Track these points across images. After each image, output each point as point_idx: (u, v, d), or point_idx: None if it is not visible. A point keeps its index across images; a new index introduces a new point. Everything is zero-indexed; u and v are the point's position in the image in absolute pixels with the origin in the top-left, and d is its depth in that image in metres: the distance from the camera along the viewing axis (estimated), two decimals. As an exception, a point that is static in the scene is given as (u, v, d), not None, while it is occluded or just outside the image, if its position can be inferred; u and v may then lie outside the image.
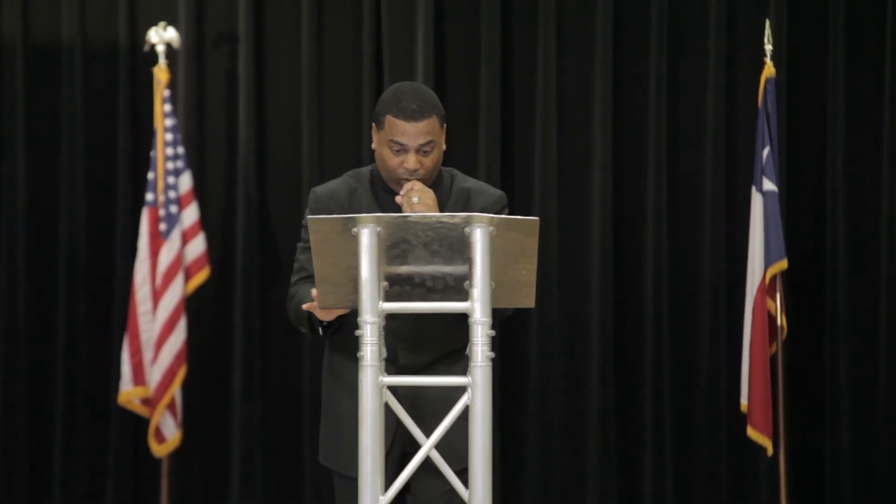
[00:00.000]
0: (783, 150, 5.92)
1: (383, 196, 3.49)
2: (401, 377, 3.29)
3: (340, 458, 3.50)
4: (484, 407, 3.08)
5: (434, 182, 3.47)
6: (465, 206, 3.48)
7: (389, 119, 3.40)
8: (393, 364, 3.38)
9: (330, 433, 3.55)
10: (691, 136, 6.10)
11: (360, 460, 3.08)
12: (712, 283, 6.04)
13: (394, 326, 3.32)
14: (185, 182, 5.79)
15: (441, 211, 3.42)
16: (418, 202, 3.33)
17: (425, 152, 3.41)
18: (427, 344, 3.46)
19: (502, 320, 3.44)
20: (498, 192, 3.55)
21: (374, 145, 3.47)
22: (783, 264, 5.58)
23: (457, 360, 3.44)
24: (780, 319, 5.59)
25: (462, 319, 3.15)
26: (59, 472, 5.99)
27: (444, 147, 3.47)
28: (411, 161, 3.39)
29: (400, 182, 3.41)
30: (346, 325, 3.45)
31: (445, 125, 3.47)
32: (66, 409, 5.99)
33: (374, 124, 3.46)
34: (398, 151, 3.40)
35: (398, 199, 3.38)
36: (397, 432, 3.40)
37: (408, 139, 3.39)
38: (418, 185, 3.37)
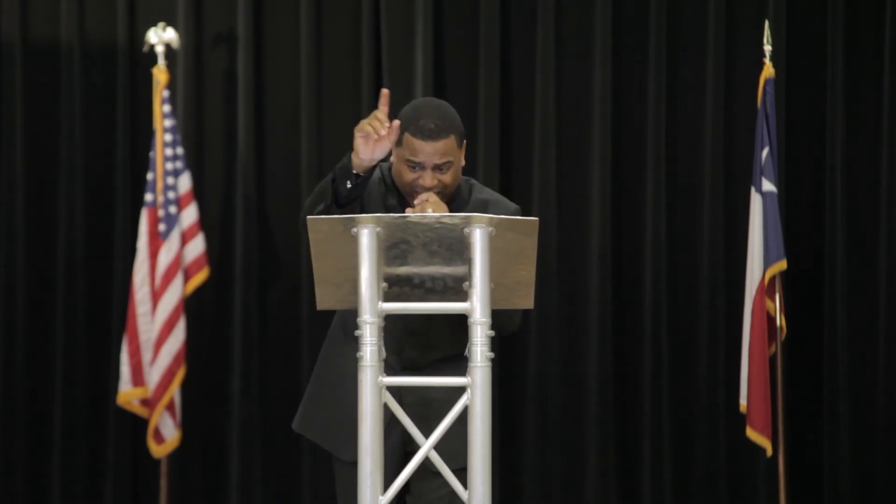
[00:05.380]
0: (782, 150, 5.92)
1: (395, 191, 3.48)
2: (400, 377, 3.29)
3: (331, 437, 3.49)
4: (483, 407, 3.08)
5: (453, 193, 3.46)
6: None
7: (407, 137, 3.38)
8: (398, 356, 3.38)
9: (315, 403, 3.55)
10: (690, 137, 6.10)
11: (359, 460, 3.08)
12: (711, 283, 6.04)
13: (405, 320, 3.32)
14: (185, 182, 5.79)
15: None
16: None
17: (442, 170, 3.40)
18: (435, 342, 3.46)
19: (504, 336, 3.44)
20: (514, 206, 3.53)
21: (392, 158, 3.46)
22: (782, 265, 5.59)
23: (462, 362, 3.44)
24: (780, 320, 5.59)
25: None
26: (58, 472, 5.99)
27: (463, 163, 3.46)
28: (427, 179, 3.38)
29: (415, 193, 3.41)
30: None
31: (465, 142, 3.46)
32: (65, 409, 5.98)
33: None
34: (414, 168, 3.39)
35: (409, 211, 3.36)
36: (394, 431, 3.40)
37: (424, 157, 3.37)
38: (433, 198, 3.35)
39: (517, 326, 3.46)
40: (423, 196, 3.36)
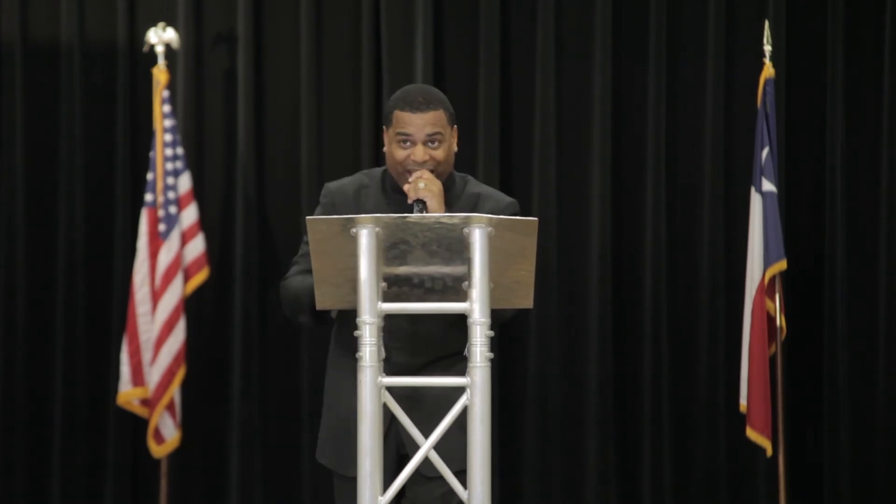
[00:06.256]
0: (782, 150, 5.92)
1: (392, 195, 3.50)
2: (400, 378, 3.28)
3: (336, 456, 3.51)
4: (483, 408, 3.08)
5: (447, 185, 3.47)
6: (473, 210, 3.49)
7: (397, 113, 3.42)
8: (387, 363, 3.39)
9: (327, 431, 3.56)
10: (690, 137, 6.10)
11: (359, 460, 3.08)
12: (711, 283, 6.04)
13: (389, 326, 3.33)
14: (185, 182, 5.79)
15: (448, 211, 3.43)
16: (424, 188, 3.33)
17: (433, 145, 3.41)
18: (422, 345, 3.46)
19: (502, 323, 3.45)
20: (508, 199, 3.54)
21: (385, 148, 3.48)
22: (782, 265, 5.58)
23: (453, 363, 3.45)
24: (780, 320, 5.59)
25: (459, 323, 3.15)
26: (58, 472, 5.99)
27: (455, 147, 3.48)
28: (419, 153, 3.40)
29: (408, 175, 3.42)
30: (346, 315, 3.47)
31: (456, 127, 3.48)
32: (65, 409, 5.99)
33: (384, 126, 3.48)
34: (406, 144, 3.41)
35: (405, 186, 3.38)
36: (391, 431, 3.40)
37: (414, 129, 3.40)
38: (427, 174, 3.37)
39: (512, 313, 3.45)
40: (417, 173, 3.37)
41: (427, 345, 3.46)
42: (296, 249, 3.69)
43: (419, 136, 3.40)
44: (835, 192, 6.01)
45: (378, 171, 3.58)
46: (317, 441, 3.64)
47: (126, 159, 6.02)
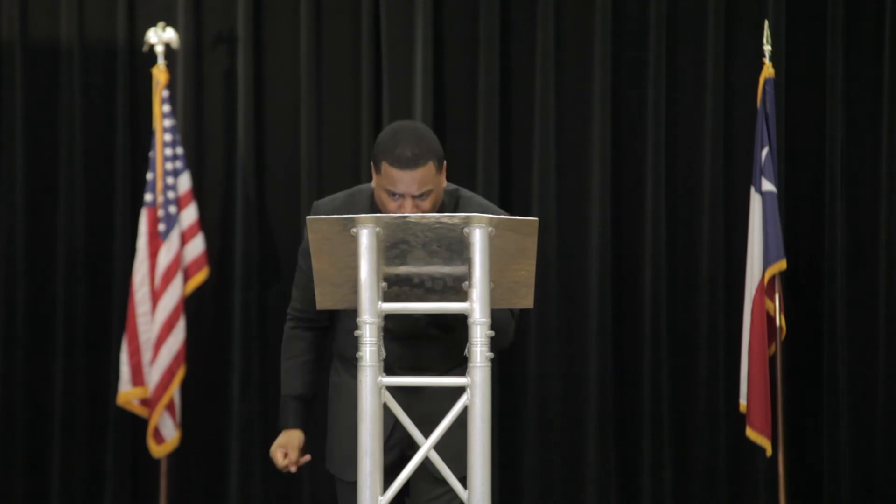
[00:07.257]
0: (782, 150, 5.92)
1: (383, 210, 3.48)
2: (400, 378, 3.28)
3: (338, 462, 3.52)
4: (483, 408, 3.08)
5: (438, 207, 3.45)
6: None
7: (385, 166, 3.33)
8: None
9: (332, 438, 3.58)
10: (690, 137, 6.10)
11: (359, 461, 3.08)
12: (711, 283, 6.04)
13: (389, 347, 3.31)
14: (184, 182, 5.79)
15: None
16: None
17: (422, 198, 3.35)
18: (425, 363, 3.45)
19: (503, 348, 3.46)
20: (503, 212, 3.52)
21: (373, 184, 3.44)
22: (782, 265, 5.58)
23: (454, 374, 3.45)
24: (779, 320, 5.59)
25: (458, 346, 3.14)
26: (57, 472, 5.99)
27: (444, 185, 3.43)
28: (408, 206, 3.33)
29: None
30: (343, 325, 3.47)
31: (445, 163, 3.41)
32: (64, 409, 5.99)
33: (372, 164, 3.40)
34: (394, 197, 3.35)
35: None
36: (394, 433, 3.40)
37: (403, 187, 3.32)
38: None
39: (509, 342, 3.45)
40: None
41: (428, 365, 3.46)
42: (296, 249, 3.69)
43: (408, 192, 3.33)
44: (835, 192, 6.01)
45: (367, 187, 3.54)
46: (318, 445, 3.65)
47: (126, 159, 6.02)
